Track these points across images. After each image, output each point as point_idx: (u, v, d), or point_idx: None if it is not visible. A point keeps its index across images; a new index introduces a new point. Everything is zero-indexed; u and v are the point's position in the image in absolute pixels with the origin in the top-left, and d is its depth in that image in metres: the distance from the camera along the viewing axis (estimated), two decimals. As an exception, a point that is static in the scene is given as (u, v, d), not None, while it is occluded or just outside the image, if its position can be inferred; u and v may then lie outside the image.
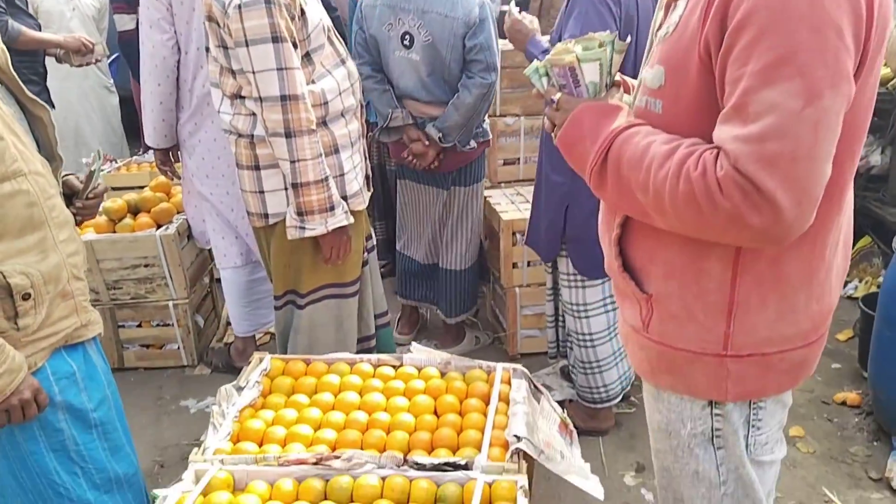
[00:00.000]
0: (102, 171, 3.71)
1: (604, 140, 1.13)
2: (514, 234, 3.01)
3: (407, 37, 2.75)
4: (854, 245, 3.64)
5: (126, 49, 4.31)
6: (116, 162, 4.13)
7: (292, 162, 2.06)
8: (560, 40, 2.28)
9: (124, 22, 4.31)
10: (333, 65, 2.23)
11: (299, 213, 2.12)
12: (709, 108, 1.06)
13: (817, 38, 0.93)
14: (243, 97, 2.14)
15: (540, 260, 2.98)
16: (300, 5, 2.07)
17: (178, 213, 3.16)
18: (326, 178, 2.11)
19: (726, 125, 1.00)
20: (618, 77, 1.30)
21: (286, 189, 2.16)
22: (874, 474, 2.42)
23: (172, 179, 3.08)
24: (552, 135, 1.29)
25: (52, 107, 4.03)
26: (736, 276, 1.12)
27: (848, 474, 2.43)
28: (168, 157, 2.89)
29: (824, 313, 1.20)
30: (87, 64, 3.79)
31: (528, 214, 2.97)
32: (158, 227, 3.07)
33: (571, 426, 1.81)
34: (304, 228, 2.13)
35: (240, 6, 1.96)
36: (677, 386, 1.23)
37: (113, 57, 5.16)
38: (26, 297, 1.45)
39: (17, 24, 3.46)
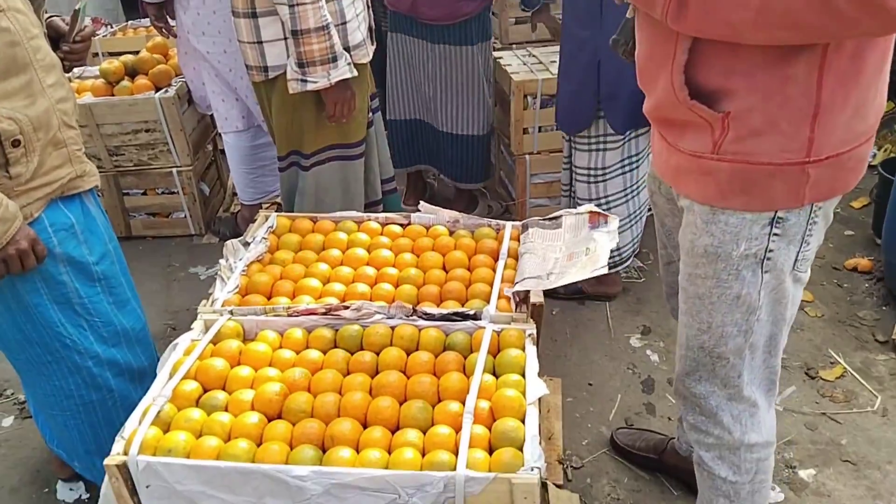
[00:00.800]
0: (97, 34, 3.54)
1: None
2: (525, 97, 2.89)
3: None
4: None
5: None
6: (112, 27, 3.96)
7: (291, 6, 1.93)
8: None
9: None
10: None
11: (300, 64, 2.01)
12: None
13: None
14: (236, -63, 1.99)
15: (552, 126, 2.89)
16: None
17: (177, 75, 3.05)
18: (328, 26, 1.99)
19: None
20: None
21: (285, 39, 2.05)
22: (881, 337, 2.43)
23: (168, 37, 2.94)
24: None
25: (39, -34, 3.82)
26: (822, 76, 1.10)
27: (855, 337, 2.45)
28: (162, 11, 2.75)
29: (883, 106, 1.23)
30: None
31: (540, 76, 2.85)
32: (157, 90, 2.96)
33: (601, 211, 1.77)
34: (305, 81, 2.04)
35: None
36: (752, 203, 1.22)
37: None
38: (16, 143, 1.39)
39: None
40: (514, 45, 3.31)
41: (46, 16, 1.62)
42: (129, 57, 3.06)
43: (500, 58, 3.09)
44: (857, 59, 1.10)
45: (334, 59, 2.03)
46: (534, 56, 3.11)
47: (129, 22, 4.05)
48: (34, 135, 1.43)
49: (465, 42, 2.83)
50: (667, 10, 1.10)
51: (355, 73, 2.11)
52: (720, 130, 1.19)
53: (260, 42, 2.08)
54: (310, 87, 2.05)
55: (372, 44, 2.30)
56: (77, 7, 1.59)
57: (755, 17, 1.02)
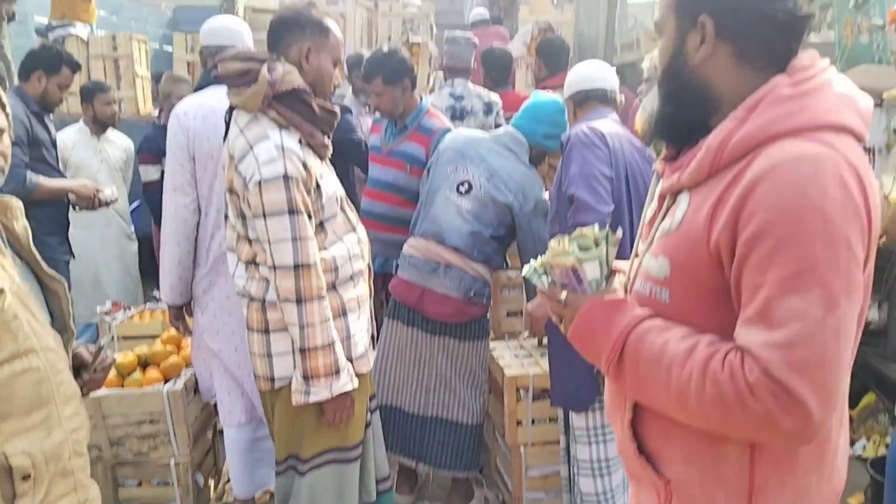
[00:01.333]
0: (115, 318, 3.76)
1: (617, 338, 1.17)
2: (517, 390, 3.00)
3: (465, 185, 2.91)
4: (858, 402, 3.60)
5: (150, 197, 4.54)
6: (130, 310, 4.20)
7: (301, 327, 2.12)
8: (560, 191, 2.38)
9: (149, 173, 4.57)
10: (345, 231, 2.34)
11: (305, 377, 2.15)
12: (719, 300, 1.12)
13: (832, 251, 1.01)
14: (258, 264, 2.23)
15: (547, 418, 2.96)
16: (316, 179, 2.20)
17: (187, 366, 3.19)
18: (334, 343, 2.16)
19: (751, 329, 1.04)
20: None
21: (293, 352, 2.21)
22: None
23: (184, 335, 3.13)
24: (560, 327, 1.33)
25: (73, 257, 4.16)
26: (754, 459, 1.14)
27: None
28: (182, 312, 2.96)
29: (835, 494, 1.22)
30: (103, 205, 3.93)
31: (531, 370, 2.98)
32: (166, 381, 3.08)
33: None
34: (308, 393, 2.16)
35: (260, 182, 2.09)
36: None
37: (135, 205, 5.38)
38: (26, 477, 1.42)
39: (34, 177, 3.59)
40: (506, 335, 3.52)
41: (73, 346, 1.74)
42: (144, 348, 3.22)
43: (493, 349, 3.27)
44: (788, 449, 1.13)
45: (337, 372, 2.17)
46: (524, 348, 3.29)
47: (147, 305, 4.31)
48: (45, 467, 1.46)
49: (466, 338, 3.02)
50: (608, 369, 1.20)
51: (356, 384, 2.24)
52: (665, 496, 1.22)
53: (270, 355, 2.24)
54: (312, 398, 2.16)
55: (373, 350, 2.46)
56: (102, 343, 1.73)
57: (675, 402, 1.11)
